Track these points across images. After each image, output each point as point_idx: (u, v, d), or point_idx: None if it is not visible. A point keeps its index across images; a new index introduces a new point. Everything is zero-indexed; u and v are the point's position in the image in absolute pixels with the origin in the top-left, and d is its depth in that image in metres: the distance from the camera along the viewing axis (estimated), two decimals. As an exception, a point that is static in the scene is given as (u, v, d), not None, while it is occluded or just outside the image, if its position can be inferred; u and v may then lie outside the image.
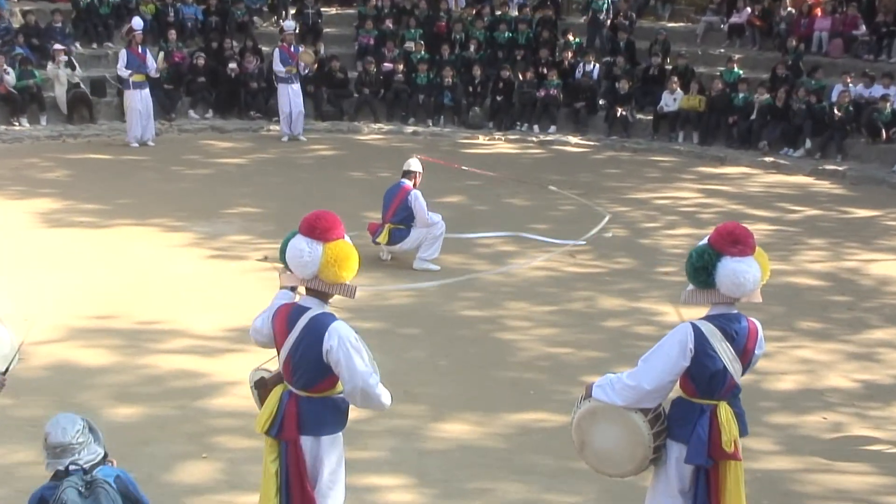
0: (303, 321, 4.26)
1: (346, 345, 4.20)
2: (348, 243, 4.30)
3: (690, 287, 4.38)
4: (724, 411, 4.31)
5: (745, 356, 4.33)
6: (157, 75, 16.02)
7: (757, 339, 4.37)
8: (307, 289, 4.34)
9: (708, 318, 4.33)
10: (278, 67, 16.36)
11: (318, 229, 4.23)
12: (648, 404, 4.35)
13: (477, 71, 18.52)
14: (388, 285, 9.38)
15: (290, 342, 4.29)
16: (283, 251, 4.37)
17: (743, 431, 4.41)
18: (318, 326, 4.24)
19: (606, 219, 10.80)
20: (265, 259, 9.82)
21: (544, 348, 8.00)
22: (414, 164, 10.03)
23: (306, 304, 4.34)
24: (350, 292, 4.32)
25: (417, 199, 9.82)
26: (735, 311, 4.35)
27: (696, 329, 4.27)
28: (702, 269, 4.27)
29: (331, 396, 4.35)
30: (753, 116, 16.87)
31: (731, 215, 12.65)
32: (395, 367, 7.25)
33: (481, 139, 17.57)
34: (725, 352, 4.26)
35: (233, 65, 18.04)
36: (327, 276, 4.24)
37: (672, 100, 17.58)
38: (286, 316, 4.35)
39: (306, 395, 4.33)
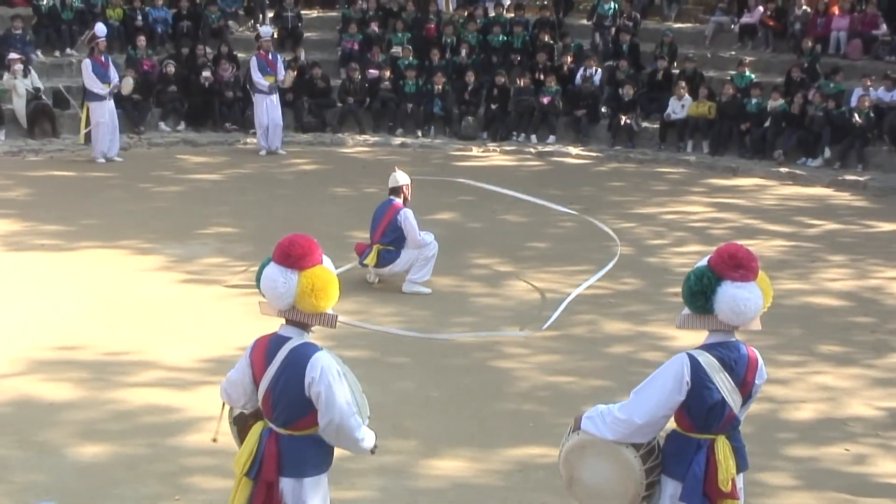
0: (283, 353, 4.28)
1: (328, 376, 4.22)
2: (326, 269, 4.31)
3: (686, 311, 4.41)
4: (722, 446, 4.33)
5: (745, 387, 4.35)
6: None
7: (757, 369, 4.39)
8: (286, 319, 4.36)
9: (705, 348, 4.36)
10: (257, 78, 16.45)
11: (292, 256, 4.24)
12: (640, 439, 4.37)
13: (470, 77, 18.65)
14: (408, 328, 9.37)
15: (269, 376, 4.29)
16: (257, 279, 4.39)
17: (743, 466, 4.43)
18: (300, 358, 4.26)
19: (616, 258, 10.75)
20: (242, 273, 9.82)
21: (544, 377, 8.03)
22: (400, 177, 10.05)
23: (286, 333, 4.35)
24: (330, 322, 4.35)
25: (408, 219, 9.86)
26: (734, 339, 4.37)
27: (693, 361, 4.29)
28: (700, 293, 4.30)
29: (314, 434, 4.36)
30: (767, 124, 16.99)
31: (745, 230, 12.73)
32: (383, 399, 7.27)
33: (475, 151, 17.65)
34: (724, 383, 4.28)
35: (206, 73, 18.12)
36: (305, 306, 4.26)
37: (680, 106, 17.69)
38: (265, 347, 4.36)
39: (287, 434, 4.33)
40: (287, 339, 4.33)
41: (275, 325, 4.42)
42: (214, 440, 4.78)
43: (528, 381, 7.96)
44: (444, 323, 9.21)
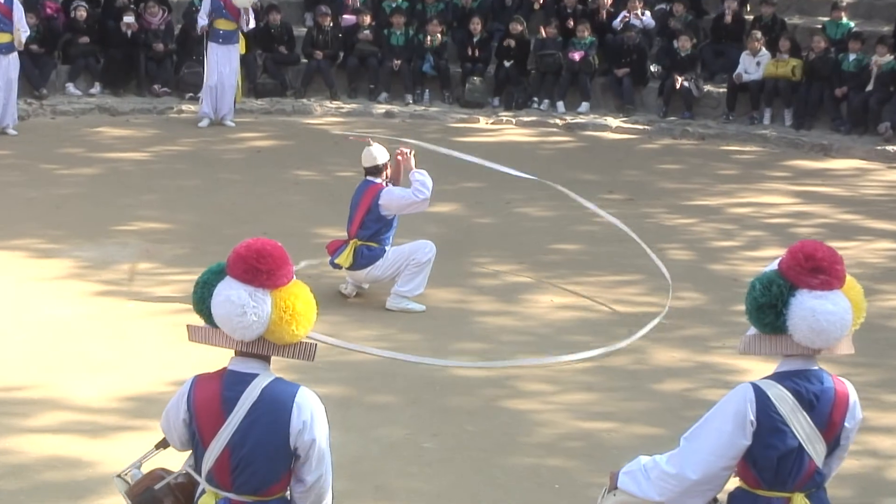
0: (250, 395, 4.23)
1: (321, 421, 4.27)
2: (301, 284, 4.34)
3: (752, 331, 4.42)
4: None
5: (830, 431, 4.35)
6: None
7: (847, 408, 4.38)
8: (242, 350, 4.32)
9: (777, 378, 4.36)
10: (202, 21, 16.35)
11: (261, 272, 4.20)
12: (696, 500, 4.38)
13: (476, 25, 18.66)
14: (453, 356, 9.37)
15: (229, 429, 4.24)
16: (199, 300, 4.34)
17: None
18: (279, 400, 4.24)
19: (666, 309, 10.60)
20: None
21: (575, 422, 8.03)
22: (377, 152, 9.99)
23: (247, 369, 4.31)
24: (309, 353, 4.35)
25: (392, 195, 9.84)
26: (815, 368, 4.38)
27: (760, 394, 4.30)
28: (768, 306, 4.30)
29: (282, 498, 4.37)
30: (870, 87, 17.01)
31: (840, 229, 12.75)
32: (362, 451, 7.26)
33: (482, 122, 17.67)
34: (801, 424, 4.29)
35: (129, 18, 18.10)
36: (280, 336, 4.25)
37: (754, 65, 17.72)
38: (218, 391, 4.28)
39: (253, 502, 4.33)
40: (251, 375, 4.29)
41: (219, 354, 4.40)
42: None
43: (553, 427, 7.96)
44: (441, 350, 9.21)
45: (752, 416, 4.28)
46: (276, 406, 4.23)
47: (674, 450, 4.42)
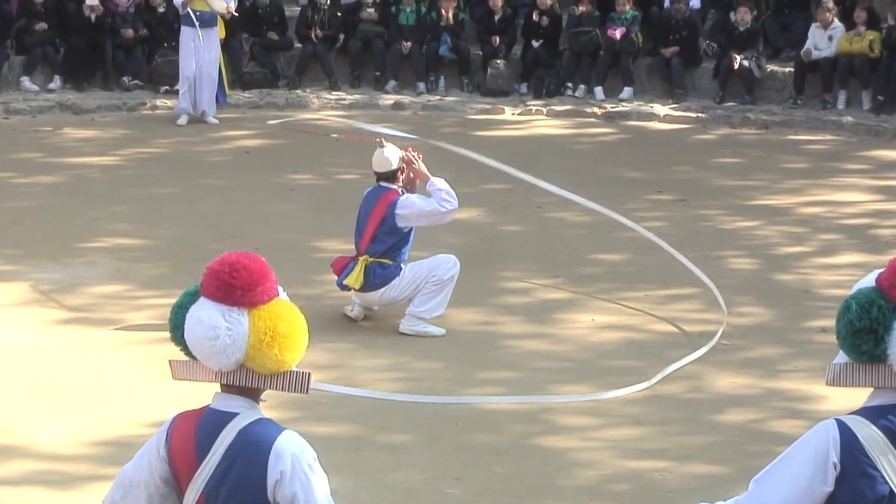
0: (226, 437, 4.23)
1: (303, 469, 4.20)
2: (285, 302, 4.31)
3: (843, 358, 4.40)
4: None
5: (926, 474, 4.35)
6: None
7: (950, 452, 4.38)
8: (225, 384, 4.33)
9: (867, 414, 4.34)
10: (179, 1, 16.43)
11: (236, 288, 4.18)
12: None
13: (496, 1, 18.67)
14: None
15: (203, 474, 4.24)
16: (174, 326, 4.34)
17: None
18: (256, 444, 4.23)
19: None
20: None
21: (621, 462, 8.02)
22: (390, 155, 9.96)
23: (227, 407, 4.30)
24: (301, 384, 4.33)
25: (412, 204, 9.80)
26: None
27: (845, 433, 4.27)
28: (866, 331, 4.27)
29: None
30: (962, 64, 16.98)
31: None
32: (374, 500, 7.26)
33: (508, 113, 17.71)
34: (893, 467, 4.27)
35: (92, 0, 18.19)
36: (262, 364, 4.22)
37: (826, 39, 17.71)
38: (194, 430, 4.29)
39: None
40: (231, 415, 4.28)
41: (205, 390, 4.41)
42: None
43: (596, 467, 7.94)
44: (465, 381, 9.21)
45: (835, 459, 4.24)
46: (251, 452, 4.19)
47: (740, 494, 4.41)
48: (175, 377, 4.41)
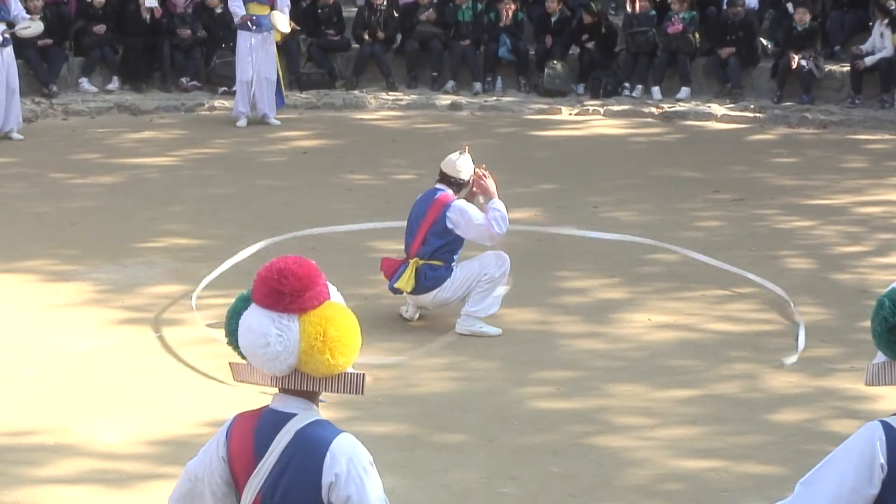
0: (283, 438, 4.24)
1: (358, 472, 4.20)
2: (339, 306, 4.32)
3: (881, 358, 4.39)
4: None
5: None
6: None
7: None
8: (283, 387, 4.34)
9: (911, 415, 4.34)
10: (236, 7, 16.46)
11: (285, 294, 4.17)
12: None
13: (553, 3, 18.66)
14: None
15: (261, 474, 4.25)
16: (230, 331, 4.37)
17: None
18: (312, 446, 4.24)
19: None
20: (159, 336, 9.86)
21: (676, 461, 8.00)
22: (463, 164, 9.96)
23: (285, 408, 4.31)
24: (356, 386, 4.33)
25: (463, 212, 9.79)
26: None
27: (891, 433, 4.26)
28: None
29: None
30: None
31: None
32: (430, 499, 7.26)
33: (565, 113, 17.66)
34: (939, 468, 4.26)
35: (150, 2, 18.25)
36: (315, 368, 4.23)
37: (887, 40, 17.57)
38: (252, 430, 4.31)
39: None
40: (288, 416, 4.29)
41: (263, 389, 4.42)
42: None
43: (651, 467, 7.92)
44: (521, 380, 9.20)
45: (882, 460, 4.22)
46: (307, 454, 4.21)
47: (787, 497, 4.41)
48: (236, 379, 4.45)
